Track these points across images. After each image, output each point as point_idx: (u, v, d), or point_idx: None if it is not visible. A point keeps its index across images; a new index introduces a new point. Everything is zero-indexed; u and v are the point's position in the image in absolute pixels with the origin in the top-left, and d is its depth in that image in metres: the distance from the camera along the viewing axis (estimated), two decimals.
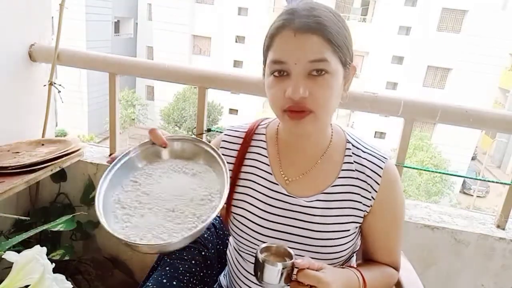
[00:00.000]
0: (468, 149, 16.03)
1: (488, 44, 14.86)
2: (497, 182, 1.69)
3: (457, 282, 1.40)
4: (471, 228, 1.37)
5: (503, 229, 1.38)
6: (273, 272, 0.64)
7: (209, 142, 0.87)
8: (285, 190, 0.81)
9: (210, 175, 0.80)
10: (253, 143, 0.87)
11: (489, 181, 1.74)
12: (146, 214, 0.71)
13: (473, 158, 17.56)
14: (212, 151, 0.81)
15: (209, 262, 0.94)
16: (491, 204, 13.73)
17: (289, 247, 0.69)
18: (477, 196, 15.40)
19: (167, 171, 0.80)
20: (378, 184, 0.79)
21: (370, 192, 0.79)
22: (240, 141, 0.87)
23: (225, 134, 0.89)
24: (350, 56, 0.74)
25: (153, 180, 0.78)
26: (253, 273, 0.68)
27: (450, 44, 15.69)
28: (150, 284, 0.79)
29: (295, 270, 0.66)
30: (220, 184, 0.77)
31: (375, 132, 16.98)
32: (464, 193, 16.44)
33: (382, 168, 0.79)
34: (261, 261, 0.65)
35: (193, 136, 0.85)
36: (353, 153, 0.82)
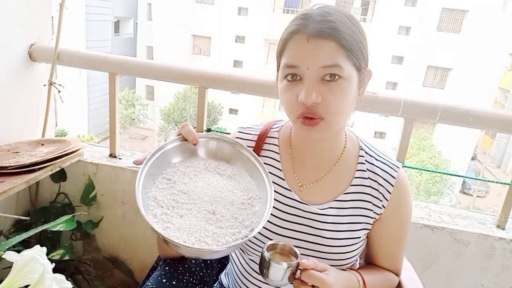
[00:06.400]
0: (468, 149, 16.02)
1: (488, 44, 14.82)
2: (497, 182, 1.68)
3: (457, 282, 1.40)
4: (471, 228, 1.37)
5: (503, 229, 1.38)
6: (279, 271, 0.66)
7: None
8: (298, 197, 0.80)
9: (246, 179, 0.76)
10: (265, 146, 0.86)
11: (489, 181, 1.73)
12: (186, 215, 0.67)
13: (473, 158, 17.55)
14: (249, 155, 0.78)
15: (208, 261, 0.94)
16: (491, 204, 13.71)
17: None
18: (477, 196, 15.39)
19: (201, 171, 0.75)
20: (390, 193, 0.79)
21: (381, 201, 0.79)
22: (253, 144, 0.86)
23: (237, 137, 0.87)
24: (365, 60, 0.73)
25: (188, 179, 0.73)
26: (258, 273, 0.69)
27: (450, 44, 15.67)
28: (150, 284, 0.79)
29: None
30: (260, 190, 0.74)
31: (375, 132, 16.97)
32: (464, 193, 16.44)
33: (394, 178, 0.79)
34: (267, 259, 0.66)
35: (228, 137, 0.80)
36: (366, 160, 0.82)
